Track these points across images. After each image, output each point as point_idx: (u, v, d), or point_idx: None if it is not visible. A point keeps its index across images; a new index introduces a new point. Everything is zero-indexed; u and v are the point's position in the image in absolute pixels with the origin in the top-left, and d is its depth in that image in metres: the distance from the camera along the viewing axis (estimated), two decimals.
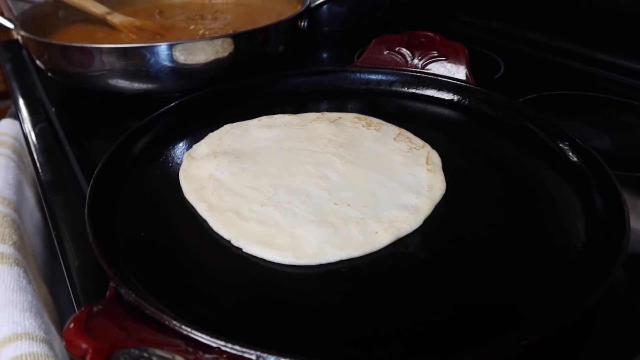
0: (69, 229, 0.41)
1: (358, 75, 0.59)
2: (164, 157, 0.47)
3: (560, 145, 0.46)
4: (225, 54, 0.58)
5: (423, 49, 0.59)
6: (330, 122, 0.51)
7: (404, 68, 0.59)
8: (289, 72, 0.60)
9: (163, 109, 0.50)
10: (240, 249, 0.36)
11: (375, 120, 0.52)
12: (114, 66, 0.55)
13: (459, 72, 0.56)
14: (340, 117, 0.53)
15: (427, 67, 0.58)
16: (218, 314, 0.31)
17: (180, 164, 0.46)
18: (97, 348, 0.23)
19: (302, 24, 0.69)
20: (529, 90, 0.64)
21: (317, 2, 0.72)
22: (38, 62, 0.64)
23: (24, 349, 0.40)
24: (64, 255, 0.39)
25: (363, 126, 0.51)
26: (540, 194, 0.42)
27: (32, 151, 0.55)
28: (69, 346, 0.24)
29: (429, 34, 0.59)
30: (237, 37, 0.58)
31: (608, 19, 0.70)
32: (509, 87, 0.67)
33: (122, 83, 0.57)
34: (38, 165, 0.52)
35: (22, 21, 0.65)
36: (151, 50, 0.54)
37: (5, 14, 1.00)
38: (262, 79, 0.58)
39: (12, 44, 0.87)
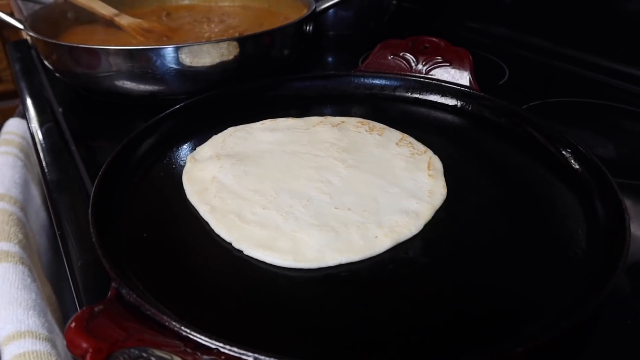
0: (73, 228, 0.42)
1: (362, 79, 0.59)
2: (168, 159, 0.47)
3: (563, 152, 0.46)
4: (231, 56, 0.58)
5: (427, 55, 0.59)
6: (333, 126, 0.52)
7: (408, 73, 0.59)
8: (293, 76, 0.60)
9: (168, 111, 0.51)
10: (241, 252, 0.36)
11: (378, 125, 0.53)
12: (121, 68, 0.56)
13: (462, 78, 0.57)
14: (343, 122, 0.53)
15: (431, 73, 0.58)
16: (218, 315, 0.31)
17: (183, 166, 0.46)
18: (97, 347, 0.24)
19: (308, 27, 0.70)
20: (533, 96, 0.64)
21: (323, 6, 0.72)
22: (46, 63, 0.64)
23: (27, 347, 0.40)
24: (68, 254, 0.39)
25: (366, 131, 0.51)
26: (542, 200, 0.42)
27: (38, 151, 0.56)
28: (70, 345, 0.24)
29: (434, 39, 0.59)
30: (242, 40, 0.59)
31: (613, 26, 0.70)
32: (513, 93, 0.67)
33: (129, 84, 0.58)
34: (44, 164, 0.52)
35: (31, 22, 0.66)
36: (157, 52, 0.55)
37: (16, 14, 1.01)
38: (267, 82, 0.59)
39: (21, 44, 0.88)
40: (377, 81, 0.59)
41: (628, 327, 0.33)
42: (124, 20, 0.71)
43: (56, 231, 0.43)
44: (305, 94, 0.59)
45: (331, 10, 0.79)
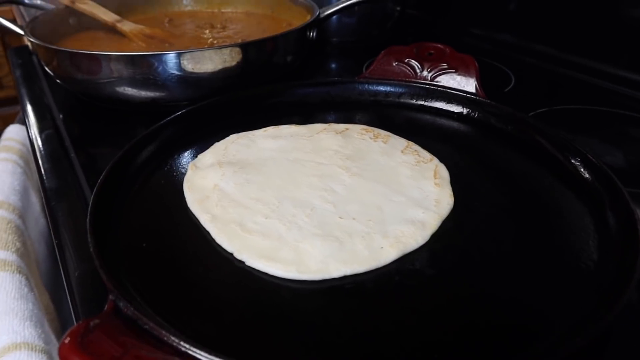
0: (71, 237, 0.41)
1: (366, 86, 0.59)
2: (169, 166, 0.47)
3: (572, 160, 0.45)
4: (234, 63, 0.58)
5: (432, 61, 0.58)
6: (337, 133, 0.51)
7: (412, 80, 0.58)
8: (296, 83, 0.59)
9: (169, 118, 0.50)
10: (243, 262, 0.35)
11: (382, 132, 0.52)
12: (122, 74, 0.55)
13: (468, 84, 0.56)
14: (347, 129, 0.52)
15: (436, 79, 0.58)
16: (218, 328, 0.30)
17: (185, 174, 0.45)
18: None
19: (311, 34, 0.69)
20: (540, 104, 0.63)
21: (327, 13, 0.72)
22: (47, 69, 0.64)
23: (22, 359, 0.39)
24: (65, 264, 0.38)
25: (370, 138, 0.50)
26: (551, 210, 0.41)
27: (37, 158, 0.55)
28: None
29: (439, 45, 0.58)
30: (245, 47, 0.58)
31: (619, 33, 0.69)
32: (519, 100, 0.66)
33: (130, 91, 0.57)
34: (43, 172, 0.52)
35: (32, 28, 0.66)
36: (159, 58, 0.54)
37: (18, 20, 1.01)
38: (270, 88, 0.58)
39: (22, 50, 0.87)
40: (381, 88, 0.58)
41: None
42: (126, 26, 0.71)
43: (53, 240, 0.42)
44: (309, 100, 0.58)
45: (335, 17, 0.79)
